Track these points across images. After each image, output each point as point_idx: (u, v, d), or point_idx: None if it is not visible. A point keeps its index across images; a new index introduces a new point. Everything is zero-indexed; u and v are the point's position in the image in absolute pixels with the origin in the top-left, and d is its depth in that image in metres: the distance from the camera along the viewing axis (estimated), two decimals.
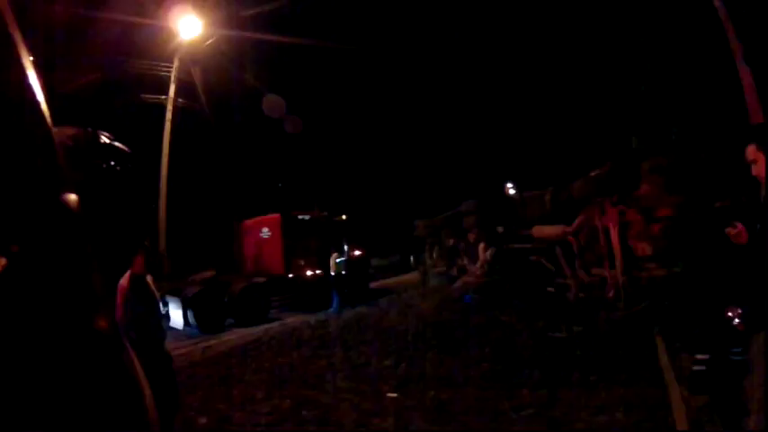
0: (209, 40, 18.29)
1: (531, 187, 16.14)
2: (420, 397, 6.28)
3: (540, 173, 25.04)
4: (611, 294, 9.15)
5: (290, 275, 16.90)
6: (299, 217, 18.29)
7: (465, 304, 13.07)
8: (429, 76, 52.81)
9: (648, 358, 6.84)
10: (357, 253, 19.59)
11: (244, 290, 14.92)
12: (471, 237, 15.78)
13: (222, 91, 21.74)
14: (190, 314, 13.58)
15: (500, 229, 14.51)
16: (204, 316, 13.61)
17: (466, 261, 16.91)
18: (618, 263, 9.07)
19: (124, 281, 5.01)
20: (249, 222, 18.96)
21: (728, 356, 4.82)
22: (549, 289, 11.39)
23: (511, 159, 38.18)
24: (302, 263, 17.20)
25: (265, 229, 17.99)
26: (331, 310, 15.31)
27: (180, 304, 13.80)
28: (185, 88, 18.89)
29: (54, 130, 1.07)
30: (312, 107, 32.05)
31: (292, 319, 14.41)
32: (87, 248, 1.10)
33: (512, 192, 32.25)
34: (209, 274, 15.87)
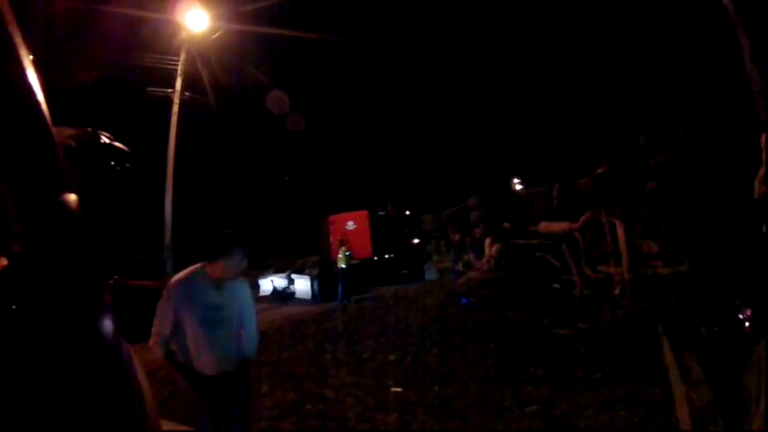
0: (216, 34, 18.28)
1: (537, 183, 16.10)
2: (424, 392, 6.29)
3: (547, 169, 25.05)
4: (616, 292, 9.12)
5: (376, 258, 21.43)
6: (379, 213, 23.31)
7: (466, 297, 13.08)
8: (437, 71, 52.74)
9: (653, 356, 6.82)
10: (416, 241, 24.02)
11: (349, 267, 18.80)
12: (478, 232, 15.74)
13: (229, 85, 21.82)
14: (315, 287, 18.40)
15: (506, 224, 14.47)
16: (325, 289, 18.16)
17: (472, 256, 16.89)
18: (624, 260, 9.04)
19: (179, 274, 3.53)
20: (334, 218, 23.48)
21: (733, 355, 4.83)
22: (555, 285, 11.37)
23: (518, 155, 38.14)
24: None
25: (350, 222, 22.55)
26: (336, 302, 16.25)
27: (308, 281, 18.78)
28: (192, 82, 18.93)
29: (54, 130, 1.07)
30: (318, 102, 32.20)
31: (382, 290, 18.52)
32: (87, 248, 1.10)
33: (518, 187, 32.21)
34: (316, 258, 20.89)
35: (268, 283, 20.36)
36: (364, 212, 22.41)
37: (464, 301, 12.83)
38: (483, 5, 40.67)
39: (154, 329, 3.41)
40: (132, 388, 1.18)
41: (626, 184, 9.30)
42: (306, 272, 19.24)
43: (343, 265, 16.78)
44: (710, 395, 4.96)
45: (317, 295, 18.19)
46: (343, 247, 17.02)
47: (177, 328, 3.42)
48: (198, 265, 3.50)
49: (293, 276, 19.57)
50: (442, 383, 6.55)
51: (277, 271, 20.44)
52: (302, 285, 19.05)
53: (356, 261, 19.02)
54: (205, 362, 3.45)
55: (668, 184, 8.68)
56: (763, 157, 3.87)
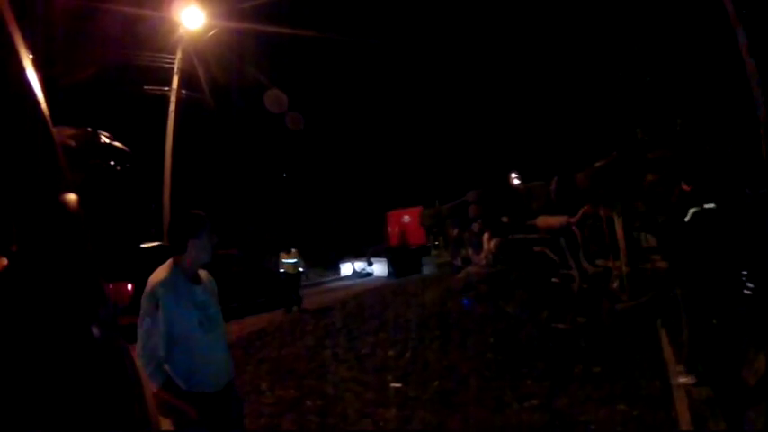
0: (212, 32, 18.22)
1: (535, 177, 16.09)
2: (424, 387, 6.30)
3: (545, 163, 25.21)
4: (615, 285, 9.13)
5: (428, 244, 24.92)
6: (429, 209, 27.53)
7: (468, 298, 13.04)
8: (434, 67, 52.71)
9: (652, 350, 6.84)
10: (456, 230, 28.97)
11: (411, 252, 26.28)
12: (476, 227, 15.72)
13: (227, 82, 21.81)
14: (390, 267, 25.04)
15: (504, 219, 14.47)
16: (399, 268, 24.52)
17: (470, 251, 16.89)
18: (622, 254, 9.05)
19: (158, 275, 2.92)
20: (392, 213, 30.02)
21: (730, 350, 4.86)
22: (554, 280, 11.38)
23: (516, 149, 38.23)
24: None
25: (406, 216, 28.54)
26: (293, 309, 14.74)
27: (385, 262, 25.67)
28: (192, 80, 18.88)
29: (54, 130, 1.07)
30: (316, 99, 32.38)
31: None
32: (87, 248, 1.10)
33: (516, 182, 32.31)
34: (384, 245, 28.52)
35: (348, 267, 27.52)
36: (419, 208, 26.42)
37: (466, 302, 12.78)
38: (482, 2, 40.69)
39: (143, 354, 2.80)
40: (132, 388, 1.18)
41: (623, 178, 9.29)
42: (382, 255, 26.28)
43: (285, 271, 14.96)
44: (710, 390, 4.97)
45: (392, 273, 24.62)
46: (283, 253, 15.19)
47: (168, 344, 2.83)
48: (169, 262, 3.00)
49: (372, 259, 26.70)
50: (441, 378, 6.57)
51: (357, 256, 27.75)
52: (380, 265, 25.99)
53: (415, 247, 26.52)
54: (208, 374, 2.95)
55: (665, 177, 8.67)
56: None
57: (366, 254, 27.62)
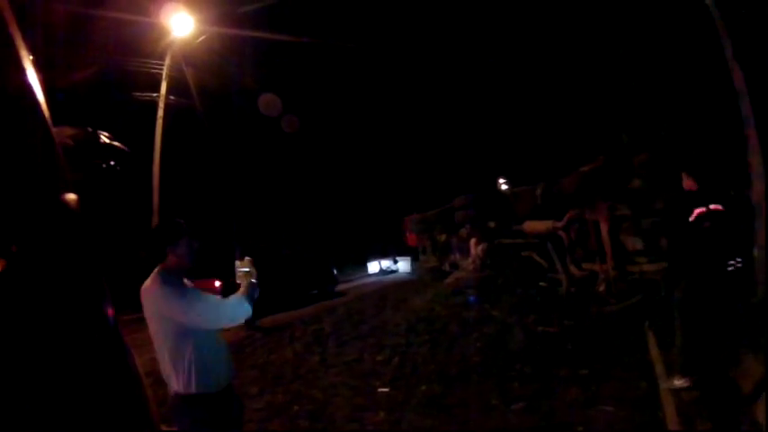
0: (201, 38, 18.13)
1: (523, 182, 16.18)
2: (412, 391, 6.31)
3: (532, 168, 25.38)
4: (601, 289, 9.19)
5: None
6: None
7: (458, 299, 13.01)
8: (423, 73, 52.84)
9: (639, 352, 6.89)
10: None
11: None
12: (464, 232, 15.80)
13: (215, 89, 21.72)
14: (413, 265, 27.13)
15: (492, 224, 14.55)
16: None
17: (458, 256, 16.97)
18: (608, 258, 9.11)
19: (150, 282, 2.95)
20: (409, 217, 29.19)
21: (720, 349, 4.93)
22: (542, 284, 11.43)
23: (503, 155, 38.41)
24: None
25: None
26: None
27: (408, 261, 28.46)
28: (179, 86, 18.77)
29: (54, 130, 1.08)
30: (306, 104, 32.42)
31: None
32: (87, 247, 1.11)
33: (504, 187, 32.51)
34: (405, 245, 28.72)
35: (375, 265, 30.10)
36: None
37: (471, 299, 12.72)
38: (469, 10, 40.89)
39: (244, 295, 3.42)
40: (134, 388, 1.19)
41: (609, 182, 9.36)
42: (406, 254, 28.75)
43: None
44: (697, 391, 5.02)
45: (414, 271, 26.57)
46: (237, 261, 13.40)
47: (188, 343, 2.85)
48: (155, 270, 3.00)
49: (397, 258, 29.64)
50: (429, 382, 6.58)
51: (382, 256, 30.57)
52: (404, 264, 28.96)
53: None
54: (223, 368, 3.04)
55: (651, 181, 8.75)
56: None
57: (391, 253, 30.59)
